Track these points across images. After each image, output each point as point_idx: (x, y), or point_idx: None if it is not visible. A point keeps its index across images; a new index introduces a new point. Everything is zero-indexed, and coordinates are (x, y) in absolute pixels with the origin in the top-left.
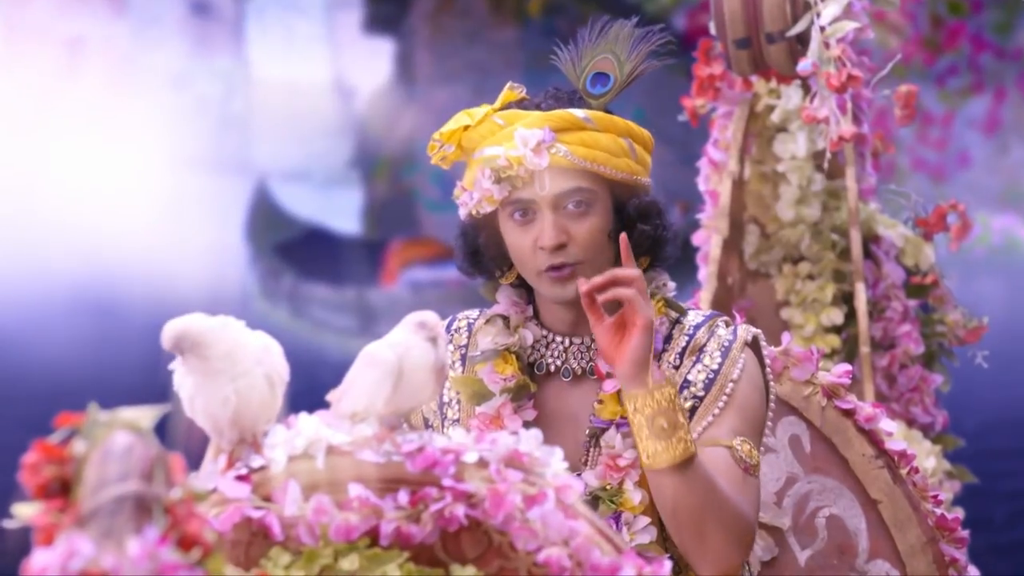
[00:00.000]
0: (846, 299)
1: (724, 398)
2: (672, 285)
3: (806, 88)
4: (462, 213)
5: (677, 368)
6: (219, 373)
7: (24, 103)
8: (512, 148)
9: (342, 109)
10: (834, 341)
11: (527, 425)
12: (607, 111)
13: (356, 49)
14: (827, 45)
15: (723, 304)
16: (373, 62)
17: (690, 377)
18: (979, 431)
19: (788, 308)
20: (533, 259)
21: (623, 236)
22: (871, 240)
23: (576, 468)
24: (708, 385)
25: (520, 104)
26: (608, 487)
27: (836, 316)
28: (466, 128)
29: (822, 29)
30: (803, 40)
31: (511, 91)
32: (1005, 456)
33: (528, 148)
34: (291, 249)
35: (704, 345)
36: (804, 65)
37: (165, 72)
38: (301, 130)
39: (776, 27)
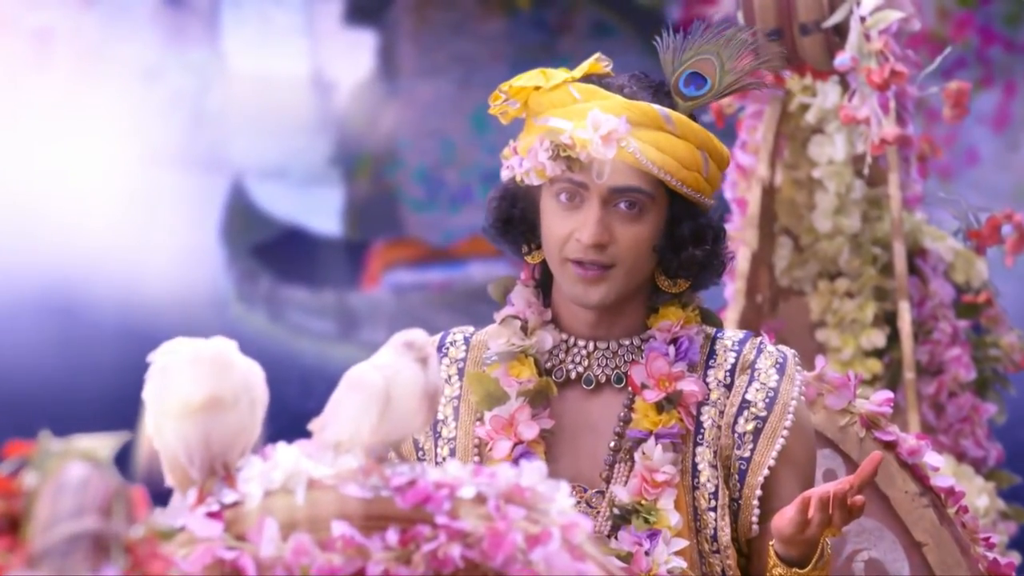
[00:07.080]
0: (889, 319)
1: (789, 418)
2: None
3: (844, 85)
4: (504, 175)
5: (729, 387)
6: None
7: None
8: (581, 128)
9: (322, 104)
10: (875, 366)
11: (543, 434)
12: (692, 116)
13: (336, 41)
14: (868, 37)
15: (751, 325)
16: (354, 55)
17: (748, 396)
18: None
19: (824, 329)
20: (565, 246)
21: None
22: (917, 254)
23: (595, 484)
24: (770, 404)
25: (601, 81)
26: (644, 502)
27: (877, 338)
28: (537, 88)
29: (862, 19)
30: (841, 32)
31: (596, 63)
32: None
33: (598, 134)
34: (268, 250)
35: (755, 362)
36: (842, 59)
37: (136, 65)
38: (279, 126)
39: (811, 17)
